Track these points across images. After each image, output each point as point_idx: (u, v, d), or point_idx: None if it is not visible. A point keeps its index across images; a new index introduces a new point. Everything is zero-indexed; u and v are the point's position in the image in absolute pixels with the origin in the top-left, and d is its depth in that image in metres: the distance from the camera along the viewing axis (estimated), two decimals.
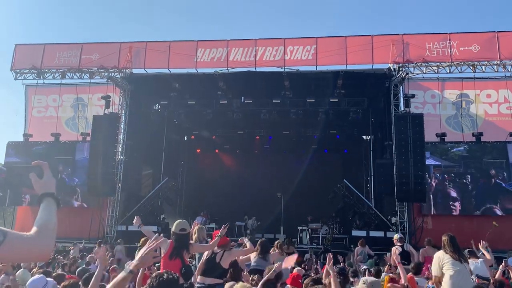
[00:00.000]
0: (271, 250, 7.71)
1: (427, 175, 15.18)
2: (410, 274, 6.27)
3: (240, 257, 6.56)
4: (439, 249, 5.80)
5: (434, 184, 15.61)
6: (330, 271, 4.83)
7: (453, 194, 15.57)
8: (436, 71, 16.21)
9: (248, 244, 6.55)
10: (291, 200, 19.13)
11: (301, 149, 21.42)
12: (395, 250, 9.60)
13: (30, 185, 1.89)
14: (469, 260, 5.81)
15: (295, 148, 21.54)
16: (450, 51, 15.77)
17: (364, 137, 21.31)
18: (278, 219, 17.97)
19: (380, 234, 14.84)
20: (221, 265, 5.69)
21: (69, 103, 19.14)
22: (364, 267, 8.55)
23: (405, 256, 9.44)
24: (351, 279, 6.62)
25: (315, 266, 10.19)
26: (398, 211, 15.53)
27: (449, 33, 16.08)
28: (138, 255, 2.43)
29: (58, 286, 4.85)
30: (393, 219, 15.76)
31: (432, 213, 15.48)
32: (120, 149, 17.22)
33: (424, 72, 16.31)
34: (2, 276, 7.31)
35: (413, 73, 16.22)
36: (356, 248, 12.24)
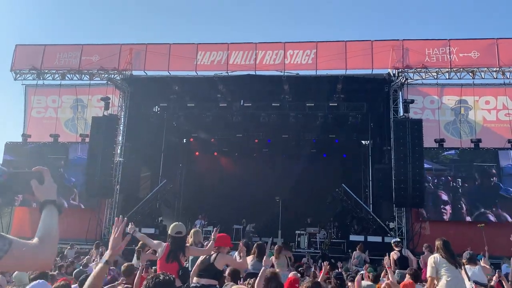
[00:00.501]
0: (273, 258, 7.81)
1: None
2: (410, 280, 6.26)
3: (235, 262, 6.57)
4: None
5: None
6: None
7: (444, 197, 15.56)
8: (435, 77, 16.26)
9: (237, 257, 6.65)
10: (289, 204, 19.09)
11: (300, 153, 21.40)
12: (393, 255, 9.60)
13: (31, 191, 1.85)
14: (467, 266, 5.81)
15: (294, 152, 21.52)
16: (450, 57, 15.83)
17: (363, 141, 21.31)
18: (276, 222, 17.93)
19: (378, 239, 14.82)
20: (215, 265, 5.72)
21: (68, 104, 19.13)
22: (362, 272, 8.53)
23: (403, 262, 9.44)
24: (349, 283, 6.61)
25: (313, 270, 10.16)
26: (396, 216, 15.52)
27: (448, 39, 16.14)
28: (109, 244, 2.55)
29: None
30: (391, 224, 15.76)
31: (425, 216, 15.47)
32: (118, 151, 17.22)
33: (424, 77, 16.35)
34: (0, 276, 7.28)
35: (413, 79, 16.27)
36: (354, 252, 12.22)
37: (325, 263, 6.27)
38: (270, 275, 4.76)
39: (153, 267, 6.39)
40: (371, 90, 16.92)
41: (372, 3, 43.71)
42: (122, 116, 17.57)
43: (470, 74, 15.93)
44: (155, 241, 6.00)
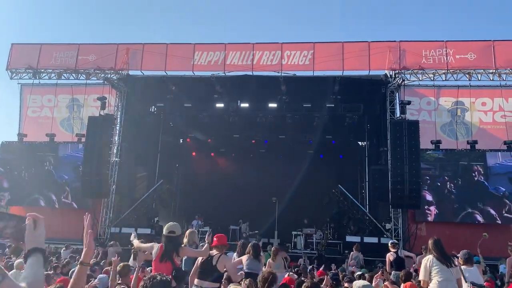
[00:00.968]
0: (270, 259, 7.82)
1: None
2: (410, 282, 6.28)
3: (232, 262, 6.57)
4: None
5: None
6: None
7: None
8: (432, 78, 16.29)
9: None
10: (286, 204, 19.05)
11: (297, 154, 21.40)
12: (389, 256, 9.60)
13: (22, 238, 1.89)
14: (463, 267, 5.82)
15: (291, 153, 21.52)
16: (446, 59, 15.86)
17: (360, 143, 21.33)
18: (273, 223, 17.91)
19: (374, 240, 14.85)
20: (217, 268, 5.66)
21: (64, 103, 19.07)
22: (358, 272, 8.53)
23: (399, 263, 9.44)
24: (345, 284, 6.60)
25: (309, 271, 10.14)
26: (392, 217, 15.54)
27: (445, 41, 16.19)
28: (83, 243, 2.46)
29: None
30: (388, 225, 15.77)
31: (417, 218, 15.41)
32: (115, 151, 17.15)
33: (420, 79, 16.38)
34: None
35: (409, 80, 16.30)
36: (352, 253, 12.21)
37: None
38: (268, 276, 4.74)
39: (148, 268, 6.37)
40: (368, 91, 16.95)
41: (370, 4, 43.84)
42: (119, 116, 17.50)
43: (467, 76, 15.97)
44: (148, 244, 5.97)
